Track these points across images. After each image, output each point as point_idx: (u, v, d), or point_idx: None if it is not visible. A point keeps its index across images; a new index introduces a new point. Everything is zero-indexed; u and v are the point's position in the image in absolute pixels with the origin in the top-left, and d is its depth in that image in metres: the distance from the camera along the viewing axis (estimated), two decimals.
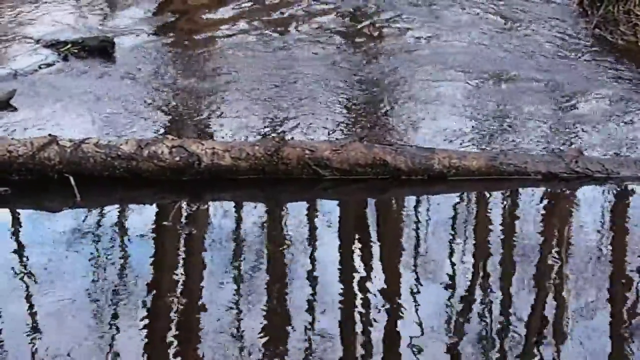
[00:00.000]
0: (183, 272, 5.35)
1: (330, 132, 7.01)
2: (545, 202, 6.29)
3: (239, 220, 5.95)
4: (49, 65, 8.09)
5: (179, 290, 5.14)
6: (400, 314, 4.97)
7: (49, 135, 6.15)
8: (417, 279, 5.32)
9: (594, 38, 9.17)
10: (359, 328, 4.87)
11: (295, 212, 6.03)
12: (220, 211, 6.05)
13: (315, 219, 5.97)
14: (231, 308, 4.98)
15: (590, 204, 6.24)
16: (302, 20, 9.51)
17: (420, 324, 4.88)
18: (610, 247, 5.75)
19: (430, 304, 5.07)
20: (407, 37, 9.12)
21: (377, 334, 4.83)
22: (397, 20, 9.55)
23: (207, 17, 9.67)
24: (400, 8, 9.86)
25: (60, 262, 5.32)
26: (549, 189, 6.38)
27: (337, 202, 6.20)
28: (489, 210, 6.12)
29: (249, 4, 9.96)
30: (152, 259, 5.45)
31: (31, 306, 4.95)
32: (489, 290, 5.23)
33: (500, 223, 6.00)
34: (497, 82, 8.06)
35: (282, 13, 9.69)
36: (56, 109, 7.23)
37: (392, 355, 4.68)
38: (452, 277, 5.34)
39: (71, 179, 5.96)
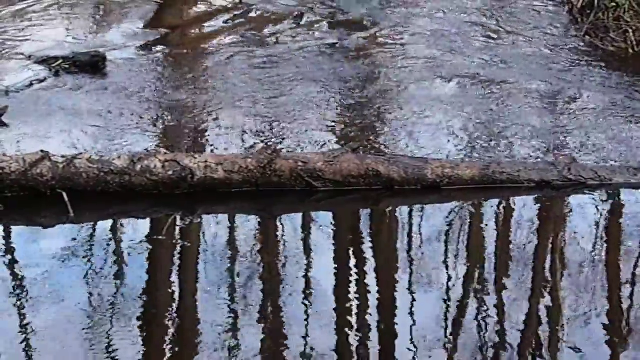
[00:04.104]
0: (177, 286, 5.34)
1: (323, 144, 7.01)
2: (538, 210, 6.30)
3: (233, 233, 5.94)
4: (40, 81, 8.08)
5: (173, 305, 5.13)
6: (396, 325, 4.97)
7: (41, 151, 6.13)
8: (413, 290, 5.32)
9: (585, 45, 9.19)
10: (354, 340, 4.86)
11: (289, 224, 6.03)
12: (214, 224, 6.04)
13: (310, 231, 5.97)
14: (226, 322, 4.97)
15: (584, 211, 6.24)
16: (292, 33, 9.52)
17: (416, 335, 4.88)
18: (604, 254, 5.75)
19: (426, 314, 5.06)
20: (399, 47, 9.12)
21: (373, 344, 4.82)
22: (388, 31, 9.56)
23: (198, 32, 9.68)
24: (391, 18, 9.87)
25: (55, 278, 5.30)
26: (542, 197, 6.38)
27: (331, 213, 6.20)
28: (482, 219, 6.12)
29: (240, 18, 9.97)
30: (147, 273, 5.44)
31: (26, 322, 4.93)
32: (484, 299, 5.22)
33: (495, 232, 6.00)
34: (489, 89, 8.07)
35: (272, 26, 9.72)
36: (48, 125, 7.22)
37: None
38: (447, 287, 5.33)
39: (64, 194, 5.95)
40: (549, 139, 7.14)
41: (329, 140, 7.09)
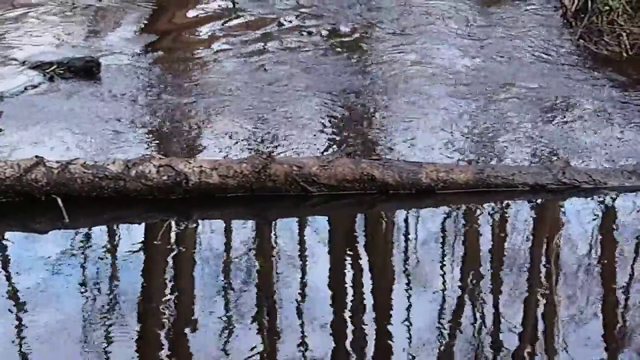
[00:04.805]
0: (173, 292, 5.34)
1: (318, 148, 7.01)
2: (533, 213, 6.30)
3: (228, 238, 5.94)
4: (34, 86, 8.07)
5: (169, 310, 5.13)
6: (392, 328, 4.97)
7: (36, 156, 6.13)
8: (408, 294, 5.32)
9: (579, 49, 9.21)
10: (350, 345, 4.86)
11: (284, 229, 6.03)
12: (209, 229, 6.04)
13: (305, 236, 5.97)
14: (221, 327, 4.97)
15: (578, 215, 6.25)
16: (287, 36, 9.52)
17: (411, 339, 4.88)
18: (598, 257, 5.76)
19: (421, 318, 5.07)
20: (394, 51, 9.13)
21: (369, 348, 4.82)
22: (383, 34, 9.57)
23: (192, 36, 9.68)
24: (386, 22, 9.88)
25: (49, 284, 5.30)
26: (536, 201, 6.39)
27: (326, 218, 6.20)
28: (477, 223, 6.13)
29: (234, 22, 9.98)
30: (142, 279, 5.43)
31: (20, 329, 4.92)
32: (480, 303, 5.23)
33: (489, 235, 6.00)
34: (482, 93, 8.08)
35: (267, 30, 9.72)
36: (43, 130, 7.22)
37: None
38: (443, 291, 5.34)
39: (59, 200, 5.95)
40: (543, 141, 7.15)
41: (324, 145, 7.09)
